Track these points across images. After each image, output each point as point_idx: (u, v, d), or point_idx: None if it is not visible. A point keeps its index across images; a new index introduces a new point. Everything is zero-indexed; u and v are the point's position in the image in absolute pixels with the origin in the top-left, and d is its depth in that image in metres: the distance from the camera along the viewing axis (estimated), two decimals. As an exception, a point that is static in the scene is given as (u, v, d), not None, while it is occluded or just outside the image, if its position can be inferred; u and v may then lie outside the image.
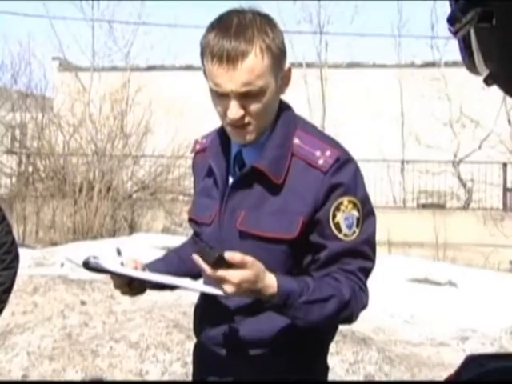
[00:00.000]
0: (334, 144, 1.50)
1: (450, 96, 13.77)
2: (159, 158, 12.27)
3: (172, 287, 1.60)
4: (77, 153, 11.87)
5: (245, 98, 1.41)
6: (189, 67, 15.44)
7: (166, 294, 4.92)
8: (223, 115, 1.46)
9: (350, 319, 1.46)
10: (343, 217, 1.44)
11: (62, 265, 6.81)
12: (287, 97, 1.56)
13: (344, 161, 1.46)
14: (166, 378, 4.04)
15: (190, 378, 3.88)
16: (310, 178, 1.45)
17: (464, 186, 13.61)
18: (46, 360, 4.23)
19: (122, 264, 1.57)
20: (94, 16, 15.12)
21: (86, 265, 1.52)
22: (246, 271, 1.28)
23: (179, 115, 12.77)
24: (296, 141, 1.49)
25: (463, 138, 13.72)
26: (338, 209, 1.44)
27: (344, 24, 14.92)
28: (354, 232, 1.44)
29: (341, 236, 1.44)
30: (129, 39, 15.23)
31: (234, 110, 1.42)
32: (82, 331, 4.69)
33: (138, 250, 7.31)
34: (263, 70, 1.41)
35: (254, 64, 1.39)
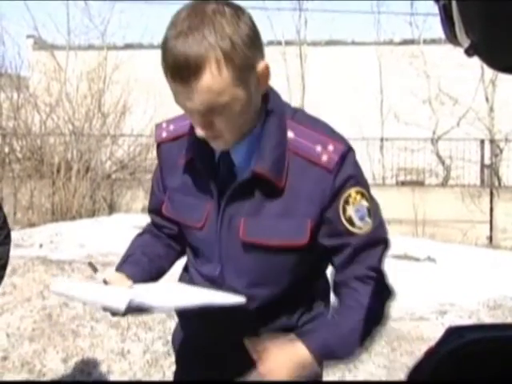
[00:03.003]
0: (332, 135, 1.36)
1: (428, 73, 13.81)
2: (138, 138, 12.16)
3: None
4: (54, 133, 11.70)
5: (209, 113, 1.24)
6: (167, 45, 15.24)
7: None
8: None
9: (382, 321, 1.43)
10: (354, 209, 1.34)
11: (41, 245, 6.75)
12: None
13: (347, 153, 1.34)
14: (147, 356, 4.05)
15: (171, 357, 3.90)
16: (313, 176, 1.32)
17: (442, 163, 13.72)
18: (26, 341, 4.21)
19: (104, 282, 1.42)
20: (69, -7, 14.79)
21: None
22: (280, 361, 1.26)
23: (158, 94, 12.62)
24: (290, 134, 1.34)
25: (442, 116, 13.80)
26: (347, 202, 1.33)
27: (323, 1, 14.83)
28: (368, 223, 1.35)
29: (355, 230, 1.34)
30: (105, 17, 14.97)
31: (199, 129, 1.27)
32: (62, 312, 4.67)
33: (118, 230, 7.26)
34: (223, 86, 1.20)
35: (210, 83, 1.19)
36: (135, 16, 17.81)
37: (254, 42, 1.24)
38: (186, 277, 1.58)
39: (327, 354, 1.33)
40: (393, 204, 11.30)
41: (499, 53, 0.94)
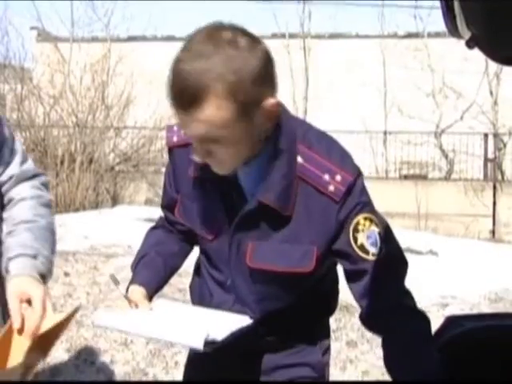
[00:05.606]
0: (341, 163, 1.33)
1: (432, 67, 13.78)
2: (141, 130, 12.18)
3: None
4: (57, 125, 11.72)
5: (208, 142, 1.20)
6: (170, 38, 15.23)
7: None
8: None
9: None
10: (365, 236, 1.32)
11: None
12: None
13: (354, 183, 1.32)
14: (150, 347, 4.08)
15: (174, 348, 3.91)
16: (319, 205, 1.30)
17: (446, 156, 13.71)
18: (31, 331, 4.24)
19: (126, 298, 1.46)
20: (73, -15, 14.76)
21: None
22: None
23: (161, 86, 12.56)
24: (299, 159, 1.31)
25: (445, 109, 13.78)
26: (356, 230, 1.32)
27: (327, -7, 14.86)
28: (381, 248, 1.33)
29: (370, 257, 1.32)
30: (109, 9, 14.95)
31: (196, 156, 1.25)
32: (66, 302, 4.70)
33: (121, 222, 7.30)
34: (223, 120, 1.16)
35: (209, 116, 1.15)
36: (139, 8, 17.79)
37: (263, 79, 1.19)
38: (198, 281, 1.61)
39: None
40: (396, 198, 11.31)
41: (500, 44, 0.95)
